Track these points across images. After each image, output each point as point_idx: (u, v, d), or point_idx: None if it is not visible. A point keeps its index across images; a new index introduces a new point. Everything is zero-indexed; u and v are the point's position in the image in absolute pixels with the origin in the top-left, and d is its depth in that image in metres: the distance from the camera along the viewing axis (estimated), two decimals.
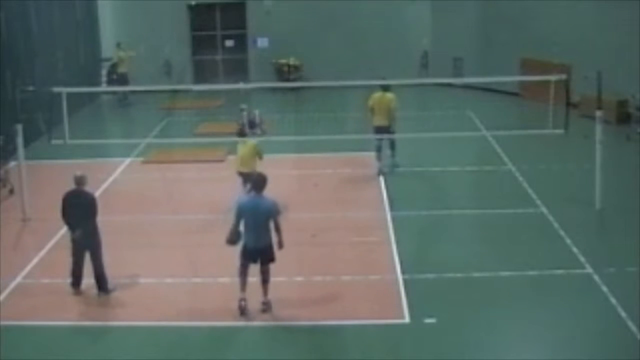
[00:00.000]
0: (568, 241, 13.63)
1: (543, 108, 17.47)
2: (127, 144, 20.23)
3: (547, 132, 16.38)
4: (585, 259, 12.88)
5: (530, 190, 16.30)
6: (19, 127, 15.27)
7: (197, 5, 28.76)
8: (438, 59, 27.37)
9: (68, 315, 11.58)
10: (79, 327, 11.36)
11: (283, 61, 27.80)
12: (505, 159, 18.51)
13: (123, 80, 25.74)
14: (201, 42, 29.06)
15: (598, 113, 15.03)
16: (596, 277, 12.23)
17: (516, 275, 12.49)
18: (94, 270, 12.02)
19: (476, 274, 12.51)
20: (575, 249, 13.28)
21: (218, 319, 11.31)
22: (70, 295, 12.08)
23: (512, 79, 22.77)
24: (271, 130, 19.16)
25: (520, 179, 17.10)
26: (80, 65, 25.70)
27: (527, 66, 24.00)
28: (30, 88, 18.53)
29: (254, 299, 11.42)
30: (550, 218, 14.76)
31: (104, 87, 27.05)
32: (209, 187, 17.06)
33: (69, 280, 12.14)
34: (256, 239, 11.22)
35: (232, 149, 16.67)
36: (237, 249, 11.44)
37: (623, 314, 11.04)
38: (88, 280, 12.11)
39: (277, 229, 11.26)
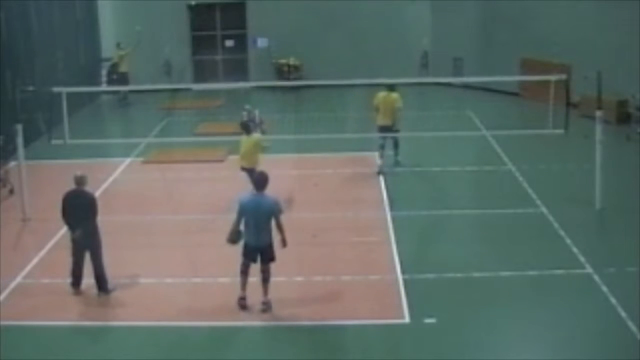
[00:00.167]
0: (568, 241, 13.63)
1: (543, 108, 17.47)
2: (127, 144, 20.23)
3: (547, 132, 16.39)
4: (585, 259, 12.88)
5: (530, 190, 16.30)
6: (19, 127, 15.26)
7: (197, 5, 28.73)
8: (438, 59, 27.35)
9: (68, 315, 11.58)
10: (79, 327, 11.35)
11: (283, 61, 27.78)
12: (505, 158, 18.50)
13: (124, 79, 25.72)
14: (201, 42, 29.02)
15: (598, 113, 15.02)
16: (596, 277, 12.22)
17: (516, 275, 12.49)
18: (94, 270, 12.02)
19: (476, 274, 12.51)
20: (575, 249, 13.28)
21: (218, 319, 11.31)
22: (70, 295, 12.08)
23: (512, 79, 22.78)
24: (271, 130, 19.14)
25: (520, 179, 17.09)
26: (80, 65, 25.69)
27: (527, 66, 24.01)
28: (30, 88, 18.54)
29: (254, 298, 11.44)
30: (550, 218, 14.75)
31: (104, 87, 27.04)
32: (209, 187, 17.07)
33: (69, 280, 12.13)
34: (257, 238, 11.22)
35: (232, 149, 16.67)
36: (237, 249, 11.45)
37: (623, 314, 11.04)
38: (88, 280, 12.11)
39: (279, 227, 11.26)
